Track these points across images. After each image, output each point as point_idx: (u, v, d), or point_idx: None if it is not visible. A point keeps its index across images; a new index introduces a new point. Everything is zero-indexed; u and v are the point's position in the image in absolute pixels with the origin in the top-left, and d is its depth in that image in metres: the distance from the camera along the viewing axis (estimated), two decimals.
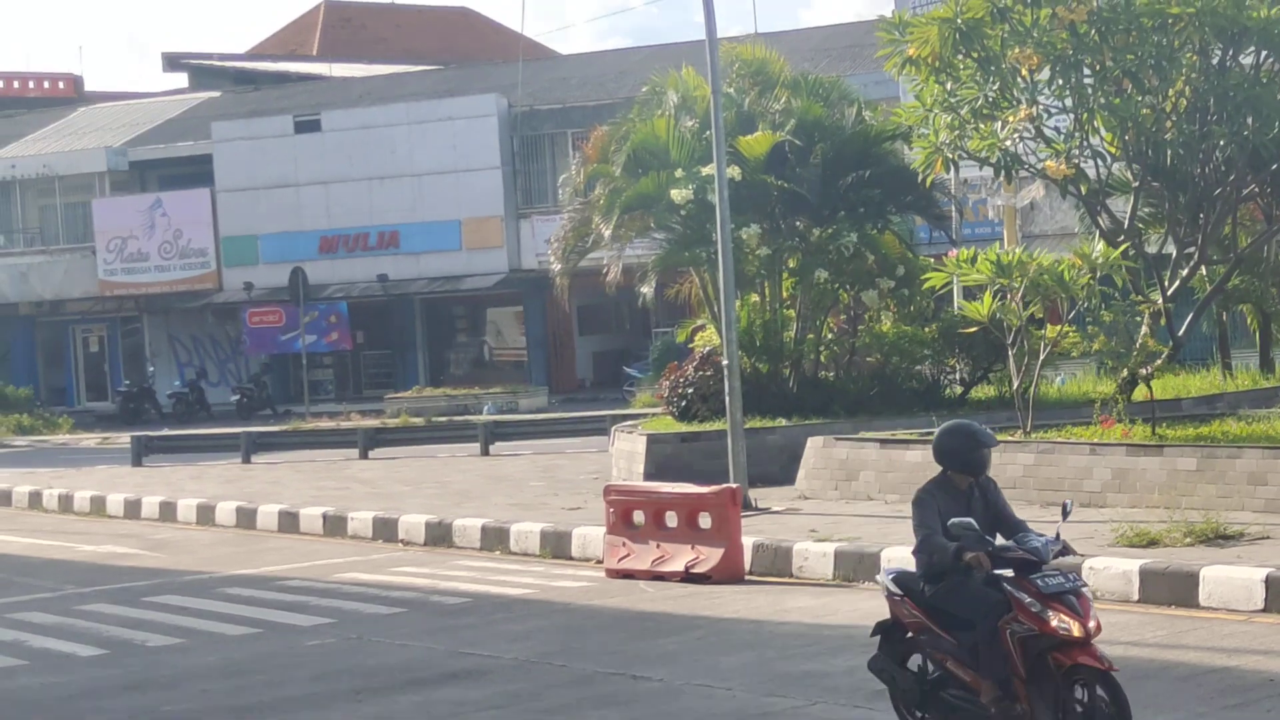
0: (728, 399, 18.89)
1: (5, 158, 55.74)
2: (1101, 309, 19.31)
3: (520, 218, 48.00)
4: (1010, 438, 18.19)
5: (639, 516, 16.27)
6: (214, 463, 30.98)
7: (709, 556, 15.52)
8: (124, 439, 36.51)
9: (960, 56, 19.28)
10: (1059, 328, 19.11)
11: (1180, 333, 20.37)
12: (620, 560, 16.09)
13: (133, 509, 24.29)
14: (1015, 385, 19.14)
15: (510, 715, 10.57)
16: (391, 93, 53.35)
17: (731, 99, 23.53)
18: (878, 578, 10.09)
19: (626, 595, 15.11)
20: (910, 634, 9.25)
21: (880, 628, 9.48)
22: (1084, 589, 8.87)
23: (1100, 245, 19.06)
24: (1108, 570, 13.37)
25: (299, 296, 43.75)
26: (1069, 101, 19.45)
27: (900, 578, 9.36)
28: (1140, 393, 19.30)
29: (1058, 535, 8.95)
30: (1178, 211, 20.37)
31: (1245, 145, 19.04)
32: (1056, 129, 20.03)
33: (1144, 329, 19.61)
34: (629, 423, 24.69)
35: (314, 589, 16.45)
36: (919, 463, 18.54)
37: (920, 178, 20.80)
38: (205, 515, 22.94)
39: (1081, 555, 12.37)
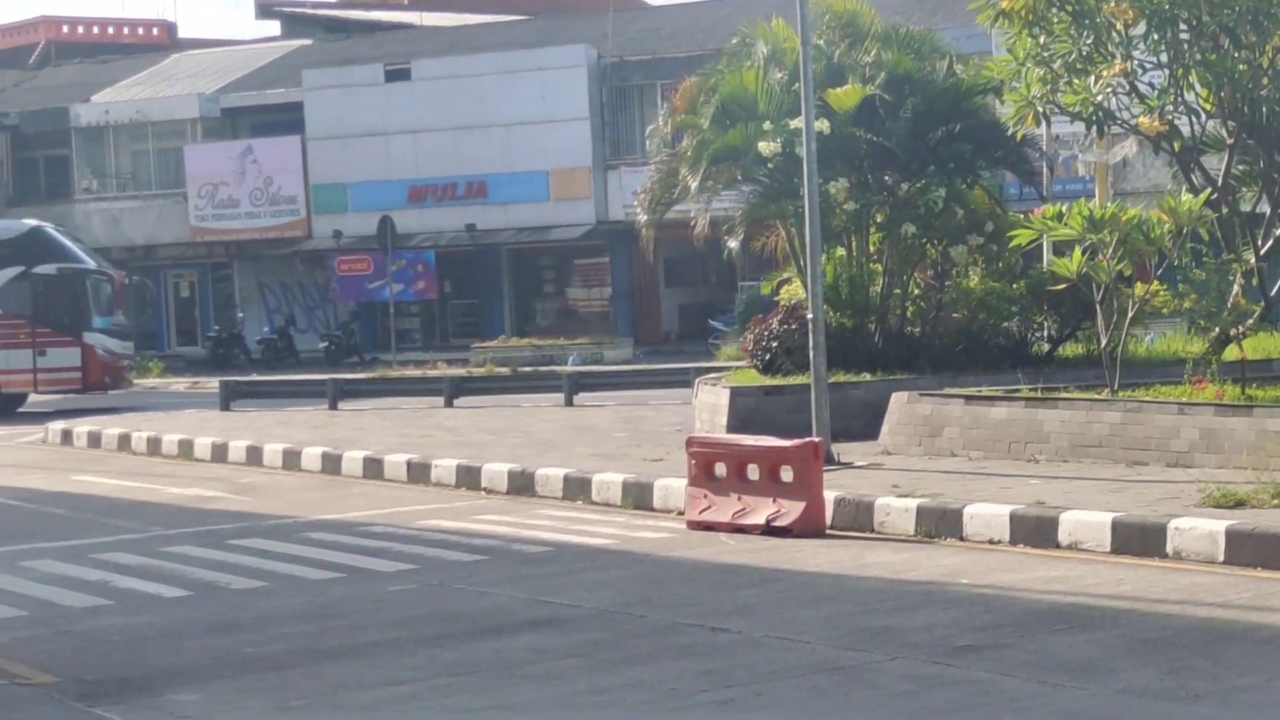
0: (812, 353, 18.81)
1: (99, 103, 56.23)
2: (1193, 267, 19.10)
3: (608, 169, 47.98)
4: (1097, 396, 18.04)
5: (721, 469, 16.24)
6: (301, 409, 31.18)
7: (790, 510, 15.48)
8: (213, 384, 36.86)
9: (1054, 10, 19.07)
10: (1149, 285, 18.91)
11: (1273, 292, 20.14)
12: (701, 512, 16.08)
13: (220, 453, 24.50)
14: (1103, 343, 18.96)
15: (588, 664, 10.59)
16: (481, 42, 53.38)
17: (821, 51, 23.37)
18: None
19: (707, 547, 15.10)
20: None
21: None
22: None
23: (1185, 197, 18.80)
24: (1193, 531, 13.23)
25: (387, 245, 43.98)
26: (1164, 57, 19.21)
27: None
28: (1231, 352, 19.08)
29: None
30: (1272, 170, 20.10)
31: None
32: (1150, 84, 19.79)
33: (1236, 288, 19.38)
34: (713, 375, 24.64)
35: (397, 535, 16.53)
36: (1003, 420, 18.44)
37: (1010, 132, 20.59)
38: (291, 460, 23.10)
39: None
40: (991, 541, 14.43)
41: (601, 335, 46.60)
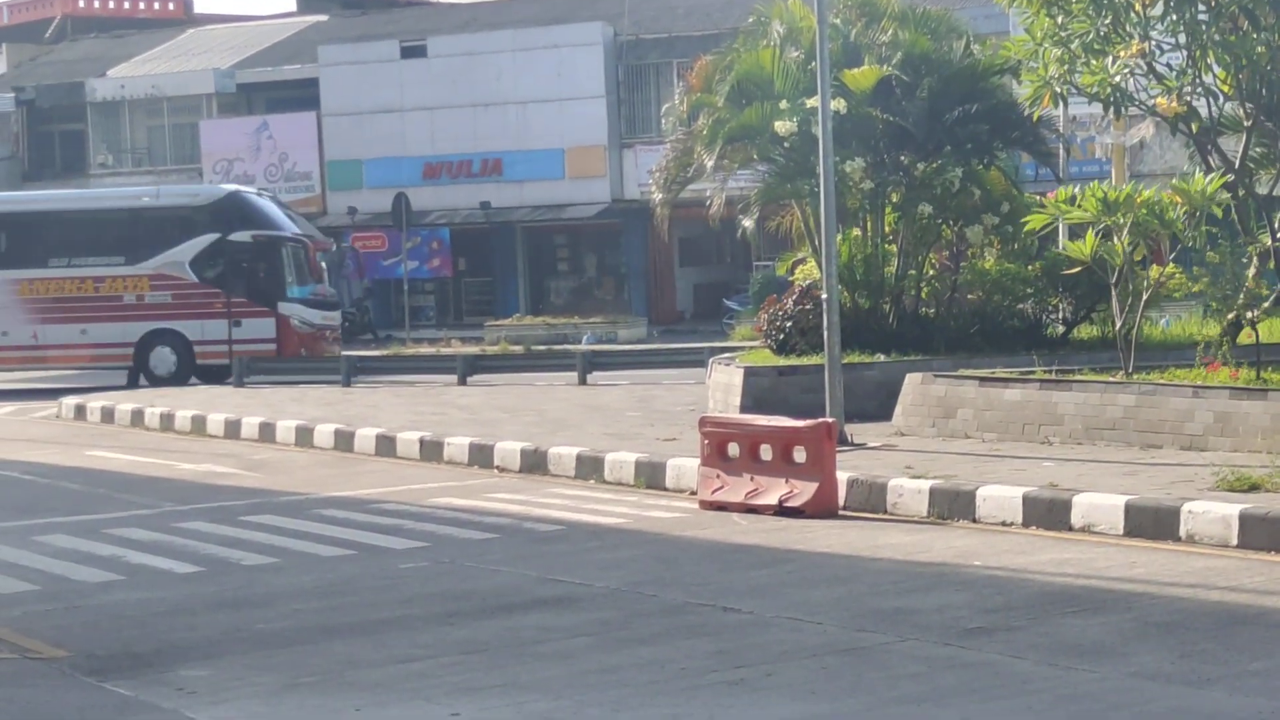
0: (826, 333, 18.77)
1: (114, 78, 56.25)
2: (1208, 250, 19.03)
3: (623, 147, 47.94)
4: (1112, 379, 17.98)
5: (734, 449, 16.22)
6: (314, 385, 31.21)
7: (803, 490, 15.46)
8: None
9: None
10: (1164, 268, 18.84)
11: None
12: (714, 492, 16.06)
13: (233, 429, 24.52)
14: (1118, 326, 18.90)
15: (599, 643, 10.58)
16: (497, 19, 53.32)
17: (837, 30, 23.29)
18: None
19: (719, 527, 15.09)
20: None
21: None
22: None
23: (1197, 178, 18.71)
24: (1207, 514, 13.20)
25: (402, 222, 43.95)
26: (1182, 38, 19.11)
27: None
28: (1245, 336, 19.01)
29: None
30: None
31: None
32: (1168, 65, 19.69)
33: (1251, 271, 19.30)
34: (726, 355, 24.62)
35: (408, 513, 16.54)
36: (1018, 401, 18.40)
37: (1027, 112, 20.50)
38: (304, 437, 23.12)
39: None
40: (1004, 524, 14.41)
41: (616, 314, 46.59)
